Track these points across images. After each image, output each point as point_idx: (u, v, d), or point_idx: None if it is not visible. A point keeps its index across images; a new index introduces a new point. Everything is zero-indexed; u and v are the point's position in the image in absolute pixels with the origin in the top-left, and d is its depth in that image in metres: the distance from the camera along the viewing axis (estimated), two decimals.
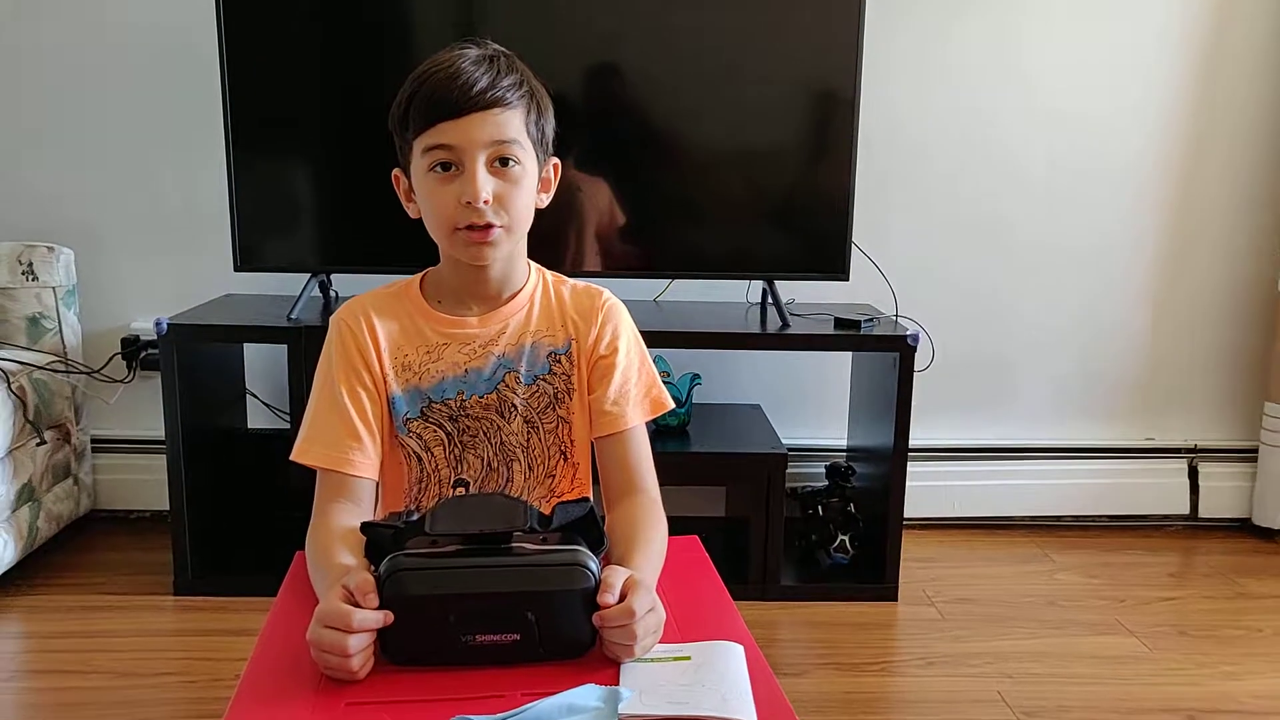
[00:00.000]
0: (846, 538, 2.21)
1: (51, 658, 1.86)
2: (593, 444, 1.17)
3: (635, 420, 1.14)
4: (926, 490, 2.47)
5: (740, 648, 0.94)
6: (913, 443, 2.11)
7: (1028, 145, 2.46)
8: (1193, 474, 2.62)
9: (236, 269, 2.10)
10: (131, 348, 2.39)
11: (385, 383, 1.12)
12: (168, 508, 2.06)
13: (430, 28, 2.10)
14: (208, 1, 1.98)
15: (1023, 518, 2.59)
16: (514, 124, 1.05)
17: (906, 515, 2.15)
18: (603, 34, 2.07)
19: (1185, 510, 2.62)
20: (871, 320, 2.13)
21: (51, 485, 2.22)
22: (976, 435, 2.58)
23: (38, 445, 2.14)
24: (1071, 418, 2.60)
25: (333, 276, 2.22)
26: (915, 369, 2.06)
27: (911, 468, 2.13)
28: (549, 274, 1.19)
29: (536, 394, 1.14)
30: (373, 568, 0.91)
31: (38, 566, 2.17)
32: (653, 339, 1.21)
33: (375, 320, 1.13)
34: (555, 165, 1.15)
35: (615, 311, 1.17)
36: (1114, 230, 2.51)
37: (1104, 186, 2.49)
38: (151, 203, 2.38)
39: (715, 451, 2.14)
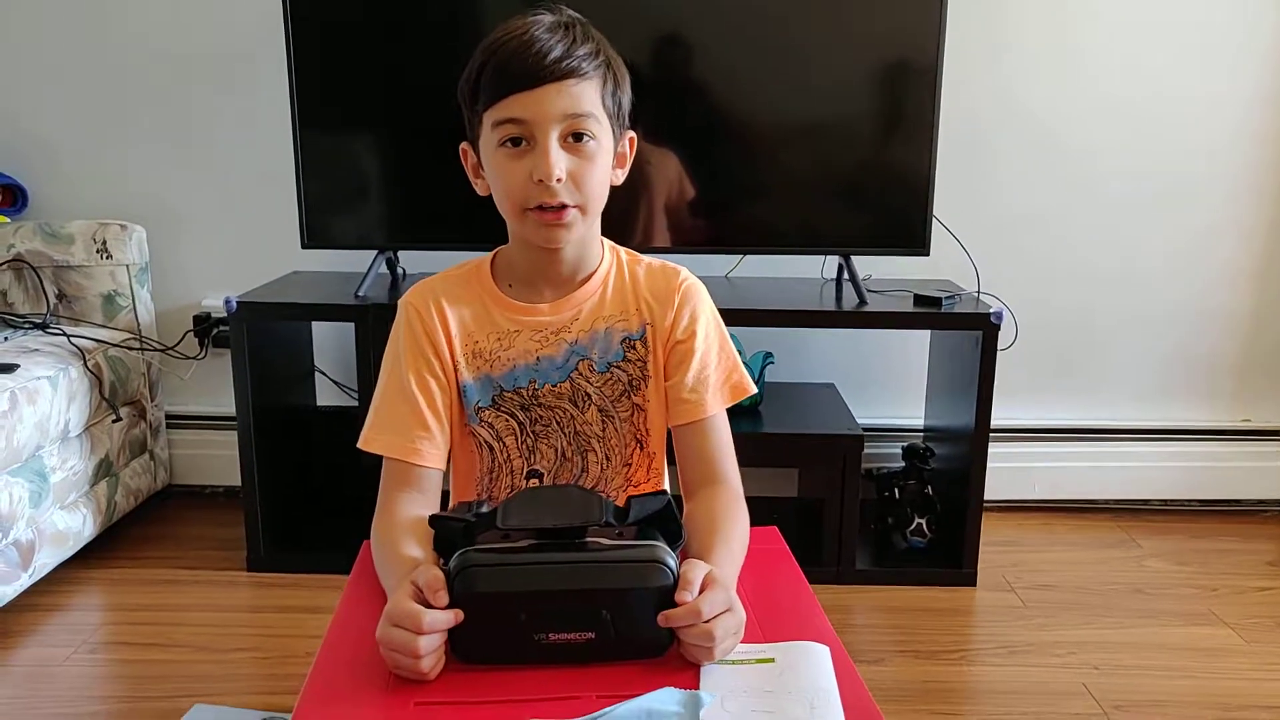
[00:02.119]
0: (924, 521, 2.14)
1: (130, 630, 1.89)
2: (669, 431, 1.12)
3: (715, 408, 1.09)
4: (1005, 472, 2.38)
5: (826, 649, 0.89)
6: (992, 423, 2.03)
7: (1119, 123, 2.33)
8: None
9: (304, 246, 2.10)
10: (203, 325, 2.41)
11: (456, 370, 1.09)
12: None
13: (497, 2, 2.06)
14: None
15: (1106, 501, 2.49)
16: (590, 96, 0.99)
17: (985, 498, 2.07)
18: (673, 1, 2.01)
19: None
20: (953, 297, 2.05)
21: (128, 461, 2.26)
22: (1059, 415, 2.48)
23: (114, 422, 2.18)
24: (1161, 398, 2.48)
25: (400, 254, 2.21)
26: (998, 348, 1.97)
27: (990, 448, 2.04)
28: (624, 253, 1.14)
29: (610, 382, 1.10)
30: (442, 562, 0.89)
31: (116, 540, 2.22)
32: (724, 317, 1.16)
33: (445, 306, 1.09)
34: (631, 140, 1.09)
35: (694, 292, 1.11)
36: (1210, 208, 2.37)
37: (1199, 164, 2.35)
38: (220, 181, 2.39)
39: (789, 432, 2.08)
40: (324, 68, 2.02)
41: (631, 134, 1.09)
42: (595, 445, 1.11)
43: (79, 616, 1.94)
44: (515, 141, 1.00)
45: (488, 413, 1.09)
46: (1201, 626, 1.93)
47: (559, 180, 0.99)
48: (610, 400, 1.10)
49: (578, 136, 1.00)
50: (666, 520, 0.91)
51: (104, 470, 2.15)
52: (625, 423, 1.11)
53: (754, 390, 1.15)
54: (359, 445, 1.08)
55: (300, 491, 2.25)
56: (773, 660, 0.87)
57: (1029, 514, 2.47)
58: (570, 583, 0.84)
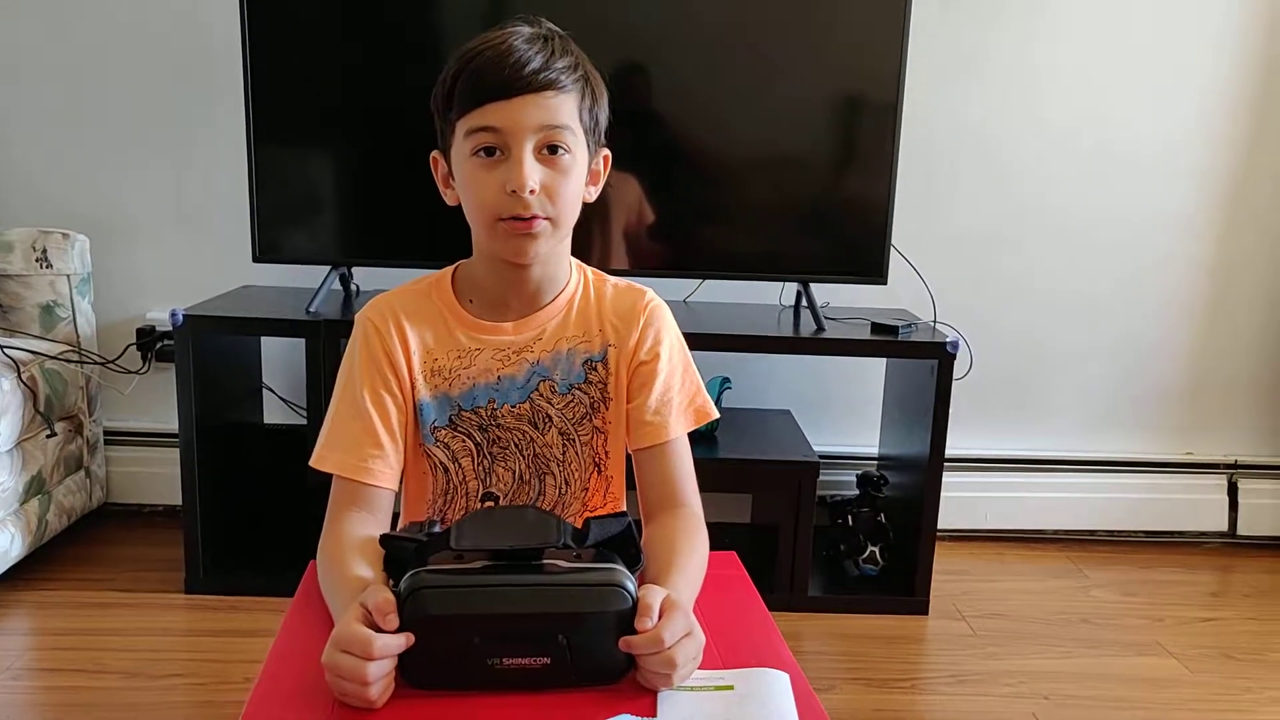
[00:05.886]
0: (876, 549, 2.14)
1: (59, 656, 1.82)
2: (628, 455, 1.10)
3: (677, 431, 1.08)
4: (957, 501, 2.39)
5: (785, 676, 0.87)
6: (945, 452, 2.04)
7: (1071, 158, 2.38)
8: (1232, 490, 2.54)
9: (255, 260, 2.05)
10: (147, 338, 2.34)
11: (413, 388, 1.06)
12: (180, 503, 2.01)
13: (455, 18, 2.05)
14: None
15: (1055, 531, 2.52)
16: (566, 109, 0.98)
17: (937, 527, 2.08)
18: (638, 27, 2.01)
19: (1224, 527, 2.54)
20: (910, 326, 2.06)
21: (63, 478, 2.18)
22: (1009, 446, 2.50)
23: (48, 437, 2.10)
24: (1108, 430, 2.52)
25: (354, 269, 2.17)
26: (953, 377, 1.99)
27: (943, 478, 2.05)
28: (591, 272, 1.12)
29: (572, 404, 1.07)
30: (392, 583, 0.86)
31: (47, 560, 2.13)
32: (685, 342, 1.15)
33: (405, 322, 1.06)
34: (606, 157, 1.07)
35: (658, 314, 1.10)
36: (1156, 243, 2.43)
37: (1146, 200, 2.41)
38: (170, 191, 2.34)
39: (744, 458, 2.07)
40: (281, 79, 1.98)
41: (606, 152, 1.07)
42: (554, 469, 1.09)
43: (4, 642, 1.86)
44: (489, 151, 0.98)
45: (444, 432, 1.07)
46: (1148, 657, 1.95)
47: (532, 192, 0.97)
48: (571, 423, 1.08)
49: (553, 149, 0.98)
50: (626, 543, 0.89)
51: (36, 487, 2.06)
52: (586, 446, 1.09)
53: (716, 415, 1.14)
54: (311, 463, 1.04)
55: (243, 512, 2.19)
56: (732, 687, 0.85)
57: (980, 543, 2.48)
58: (526, 606, 0.81)
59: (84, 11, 2.26)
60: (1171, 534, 2.54)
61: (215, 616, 1.96)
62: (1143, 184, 2.40)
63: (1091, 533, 2.53)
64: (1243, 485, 2.53)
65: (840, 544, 2.20)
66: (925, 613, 2.08)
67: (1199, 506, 2.54)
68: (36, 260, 2.21)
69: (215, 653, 1.83)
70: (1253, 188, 2.42)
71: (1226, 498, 2.54)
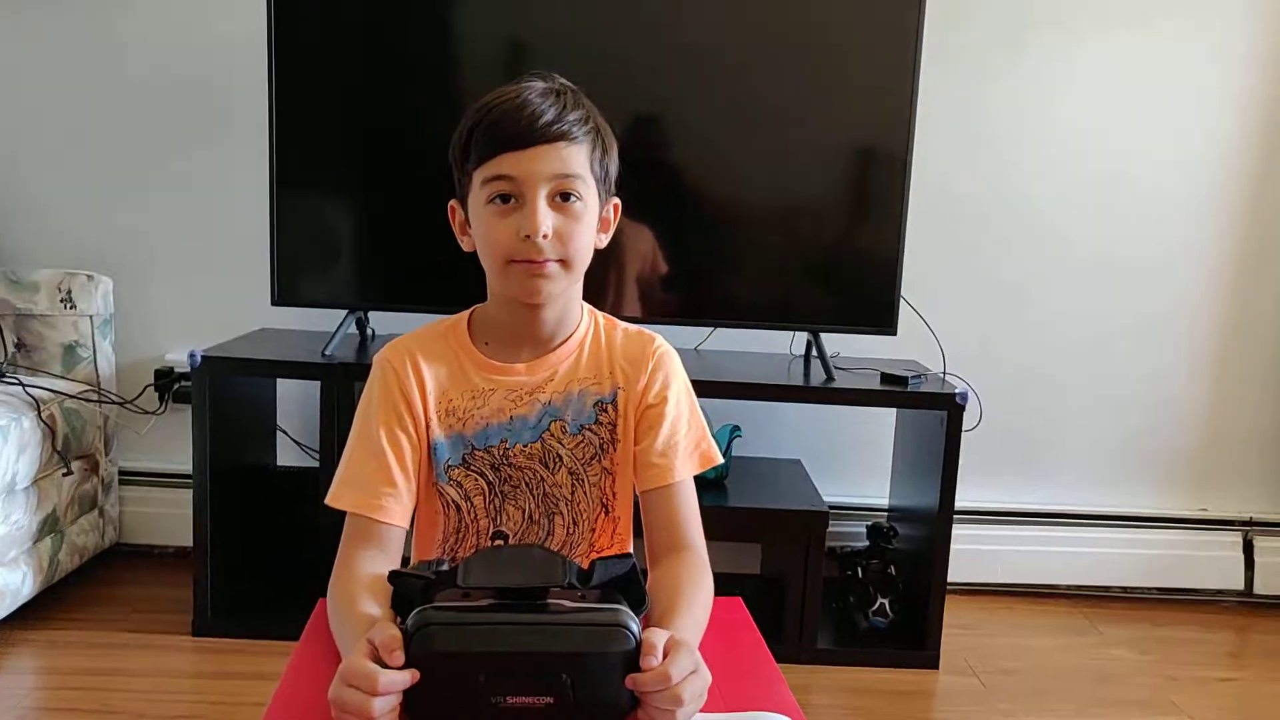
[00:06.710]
0: (886, 601, 2.13)
1: (67, 695, 1.81)
2: (635, 497, 1.11)
3: (684, 474, 1.09)
4: (968, 554, 2.37)
5: None
6: (956, 504, 2.03)
7: (1081, 208, 2.40)
8: (1248, 548, 2.51)
9: (274, 303, 2.09)
10: (165, 379, 2.37)
11: (428, 428, 1.08)
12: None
13: (475, 66, 2.10)
14: (252, 34, 1.98)
15: (1068, 586, 2.49)
16: (578, 159, 1.02)
17: (948, 579, 2.07)
18: (652, 81, 2.06)
19: (1240, 585, 2.51)
20: (919, 377, 2.07)
21: (76, 517, 2.20)
22: (1022, 499, 2.49)
23: (64, 475, 2.12)
24: (1122, 485, 2.51)
25: (370, 314, 2.20)
26: (963, 429, 1.99)
27: (954, 530, 2.04)
28: (602, 317, 1.15)
29: (582, 444, 1.09)
30: (399, 620, 0.86)
31: (57, 600, 2.14)
32: (693, 388, 1.17)
33: (422, 363, 1.09)
34: (616, 205, 1.11)
35: (667, 359, 1.12)
36: (1170, 296, 2.45)
37: (1159, 252, 2.43)
38: (192, 234, 2.38)
39: (754, 507, 2.07)
40: (303, 127, 2.03)
41: (616, 200, 1.11)
42: (563, 508, 1.10)
43: (12, 680, 1.86)
44: (504, 199, 1.01)
45: (457, 471, 1.08)
46: (1163, 717, 1.92)
47: (545, 237, 1.00)
48: (581, 463, 1.09)
49: (565, 196, 1.02)
50: (630, 584, 0.90)
51: (50, 526, 2.08)
52: (594, 487, 1.10)
53: (721, 460, 1.15)
54: (327, 501, 1.06)
55: (253, 554, 2.19)
56: None
57: (991, 597, 2.46)
58: (530, 644, 0.82)
59: (108, 57, 2.32)
60: (1187, 591, 2.50)
61: (223, 659, 1.96)
62: (1155, 239, 2.42)
63: (1105, 588, 2.50)
64: (1258, 543, 2.51)
65: (850, 596, 2.18)
66: (936, 667, 2.06)
67: (1214, 564, 2.51)
68: (61, 301, 2.25)
69: (222, 695, 1.83)
70: (1261, 243, 2.43)
71: (1242, 555, 2.51)
